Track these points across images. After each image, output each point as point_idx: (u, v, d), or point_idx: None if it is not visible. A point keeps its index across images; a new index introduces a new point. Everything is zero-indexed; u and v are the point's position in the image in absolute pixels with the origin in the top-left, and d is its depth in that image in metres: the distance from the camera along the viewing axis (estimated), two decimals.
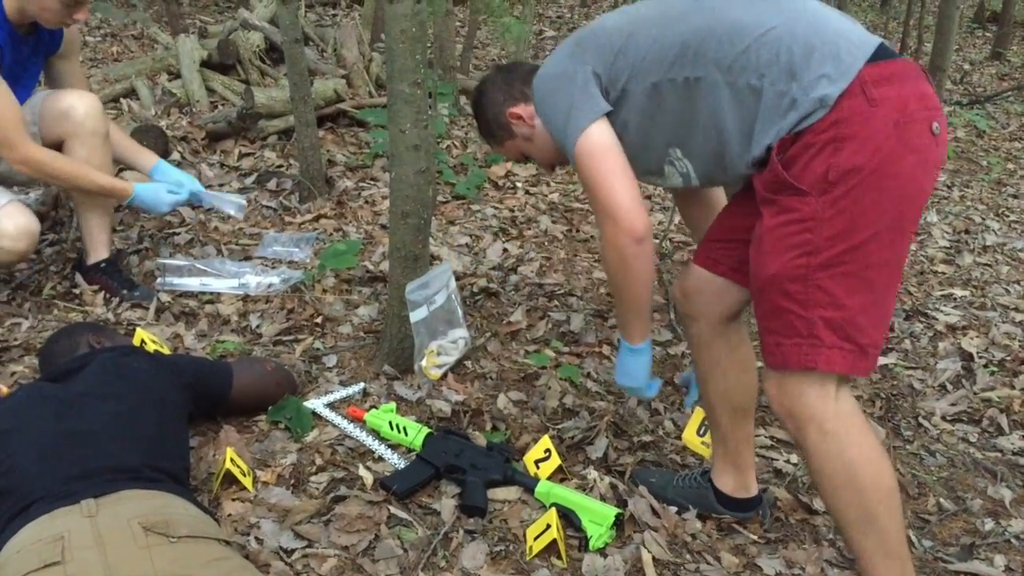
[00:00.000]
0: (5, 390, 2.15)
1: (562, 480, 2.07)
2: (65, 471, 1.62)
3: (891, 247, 1.52)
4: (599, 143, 1.67)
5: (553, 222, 3.58)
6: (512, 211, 3.64)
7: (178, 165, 3.68)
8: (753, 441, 1.97)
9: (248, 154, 3.86)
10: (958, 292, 3.36)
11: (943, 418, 2.49)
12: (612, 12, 1.84)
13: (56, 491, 1.57)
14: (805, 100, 1.49)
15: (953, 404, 2.55)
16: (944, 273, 3.58)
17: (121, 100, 4.32)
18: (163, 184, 2.71)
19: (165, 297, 2.70)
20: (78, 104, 2.59)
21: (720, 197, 2.15)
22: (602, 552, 1.87)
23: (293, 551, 1.80)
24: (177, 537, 1.52)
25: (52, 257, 2.87)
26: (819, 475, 1.63)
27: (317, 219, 3.38)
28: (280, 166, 3.77)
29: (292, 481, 2.00)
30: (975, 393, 2.61)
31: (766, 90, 1.53)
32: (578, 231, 3.56)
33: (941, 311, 3.16)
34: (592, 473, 2.10)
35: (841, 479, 1.60)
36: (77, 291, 2.69)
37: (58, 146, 2.57)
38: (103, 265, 2.72)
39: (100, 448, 1.70)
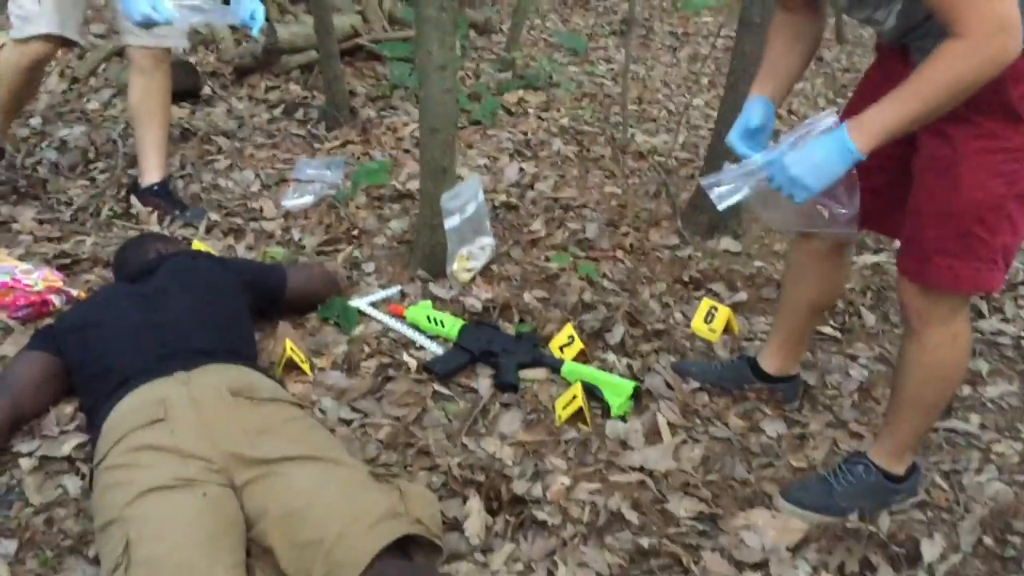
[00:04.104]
0: (83, 294, 2.40)
1: (585, 362, 2.32)
2: (156, 352, 1.87)
3: None
4: None
5: (565, 144, 3.80)
6: (526, 134, 3.85)
7: (208, 100, 3.90)
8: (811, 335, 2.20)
9: (274, 87, 4.06)
10: None
11: None
12: None
13: (150, 368, 1.82)
14: None
15: None
16: None
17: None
18: (149, 5, 2.37)
19: (214, 216, 2.93)
20: None
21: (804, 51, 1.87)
22: (622, 418, 2.13)
23: (352, 421, 2.06)
24: (259, 399, 1.78)
25: (105, 182, 3.10)
26: (923, 367, 1.75)
27: (344, 145, 3.60)
28: (305, 97, 3.98)
29: (345, 366, 2.26)
30: None
31: None
32: (588, 151, 3.77)
33: None
34: (611, 356, 2.36)
35: (943, 372, 1.76)
36: (133, 211, 2.92)
37: None
38: (155, 188, 2.95)
39: (181, 333, 1.94)
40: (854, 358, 2.44)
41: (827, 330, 2.54)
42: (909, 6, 1.50)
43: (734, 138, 1.75)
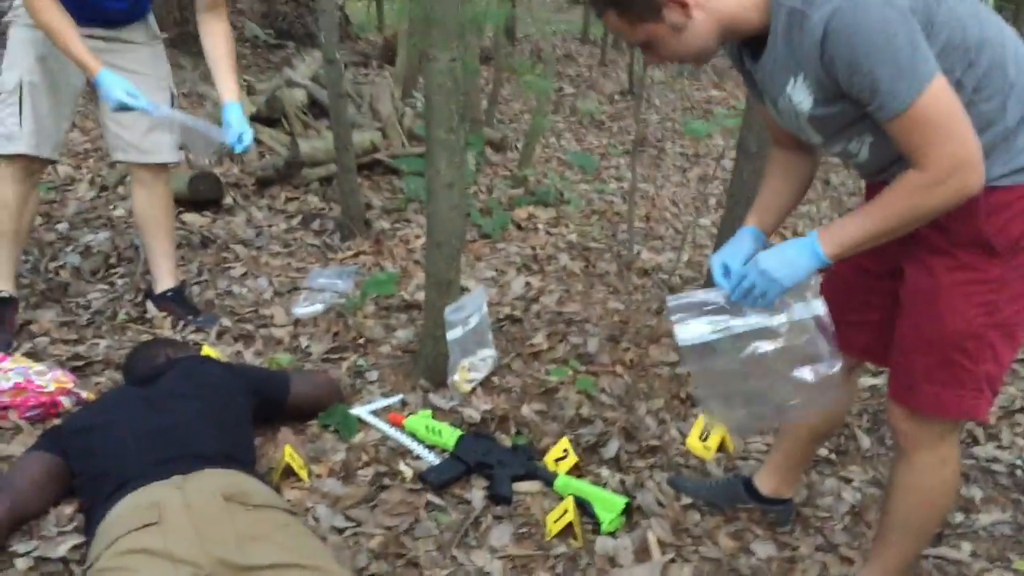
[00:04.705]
0: (92, 396, 2.47)
1: (579, 477, 2.34)
2: (155, 456, 1.92)
3: None
4: (949, 89, 1.44)
5: (571, 259, 3.90)
6: (534, 249, 3.96)
7: (230, 209, 4.06)
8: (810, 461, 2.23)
9: (293, 199, 4.23)
10: None
11: None
12: None
13: (149, 471, 1.87)
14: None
15: None
16: None
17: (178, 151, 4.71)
18: (124, 90, 2.57)
19: (226, 322, 3.03)
20: None
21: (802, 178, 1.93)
22: (613, 535, 2.14)
23: (344, 529, 2.09)
24: (253, 505, 1.82)
25: (124, 287, 3.22)
26: (912, 490, 1.78)
27: (357, 255, 3.72)
28: (322, 209, 4.13)
29: (342, 474, 2.30)
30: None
31: (997, 128, 1.52)
32: (594, 267, 3.87)
33: None
34: (605, 471, 2.38)
35: (932, 497, 1.77)
36: (148, 316, 3.02)
37: None
38: (169, 294, 3.06)
39: (183, 438, 2.00)
40: (848, 481, 2.45)
41: (822, 452, 2.56)
42: (881, 140, 1.57)
43: (715, 262, 1.77)
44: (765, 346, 1.64)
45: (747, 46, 1.64)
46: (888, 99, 1.42)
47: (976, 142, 1.44)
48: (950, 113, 1.42)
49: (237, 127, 2.74)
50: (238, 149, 2.76)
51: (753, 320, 1.65)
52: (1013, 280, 1.57)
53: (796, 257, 1.59)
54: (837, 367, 1.67)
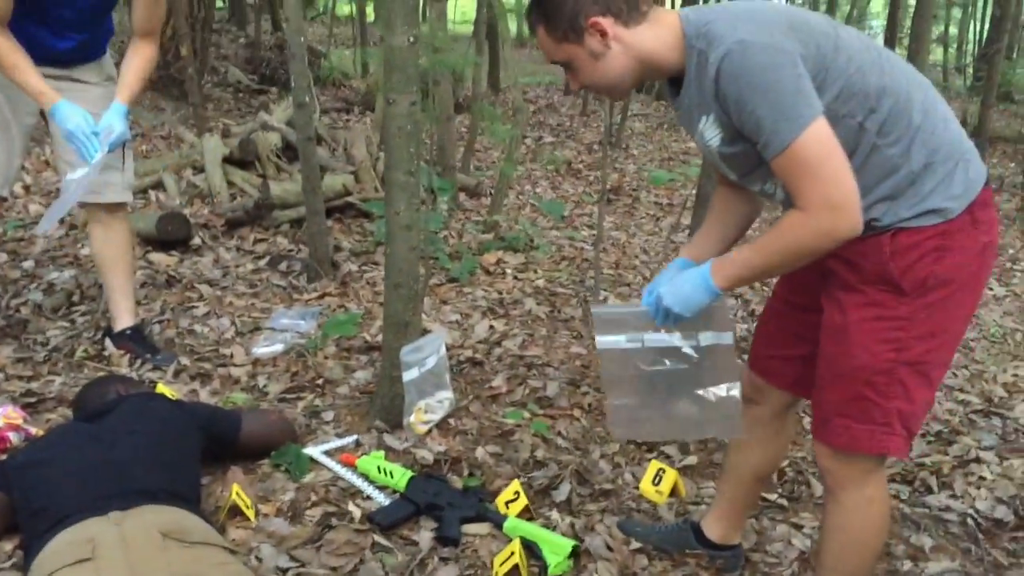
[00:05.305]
0: (41, 432, 2.45)
1: (529, 519, 2.33)
2: (96, 491, 1.91)
3: (951, 351, 1.69)
4: (830, 131, 1.51)
5: (538, 304, 3.92)
6: (501, 294, 3.98)
7: (198, 249, 4.07)
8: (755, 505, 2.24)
9: (262, 240, 4.24)
10: None
11: None
12: (794, 7, 1.74)
13: (87, 506, 1.86)
14: (932, 203, 1.58)
15: (890, 466, 2.81)
16: None
17: (149, 191, 4.75)
18: (83, 118, 2.62)
19: (185, 360, 3.02)
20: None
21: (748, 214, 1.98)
22: None
23: (287, 570, 2.06)
24: (191, 543, 1.81)
25: (84, 325, 3.22)
26: (840, 530, 1.80)
27: (322, 297, 3.73)
28: (291, 250, 4.15)
29: (290, 514, 2.28)
30: (911, 458, 2.88)
31: (902, 171, 1.58)
32: (560, 312, 3.89)
33: None
34: (555, 514, 2.38)
35: (862, 536, 1.79)
36: (106, 354, 3.01)
37: None
38: (128, 332, 3.05)
39: (127, 474, 1.99)
40: (799, 527, 2.44)
41: (772, 497, 2.56)
42: None
43: (647, 288, 1.83)
44: (672, 363, 1.78)
45: (672, 85, 1.72)
46: (771, 138, 1.50)
47: (851, 187, 1.50)
48: (827, 155, 1.49)
49: (109, 120, 2.70)
50: (106, 146, 2.68)
51: (665, 338, 1.77)
52: (922, 319, 1.60)
53: (691, 290, 1.68)
54: (735, 391, 1.77)
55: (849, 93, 1.55)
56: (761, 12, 1.58)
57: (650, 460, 2.65)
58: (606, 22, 1.62)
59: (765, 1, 1.68)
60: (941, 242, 1.58)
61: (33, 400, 2.67)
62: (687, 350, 1.77)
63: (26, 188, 4.64)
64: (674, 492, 2.55)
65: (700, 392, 1.78)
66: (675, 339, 1.76)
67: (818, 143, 1.49)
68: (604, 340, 1.80)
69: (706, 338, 1.76)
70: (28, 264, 3.69)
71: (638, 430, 2.11)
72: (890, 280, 1.60)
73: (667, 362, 1.76)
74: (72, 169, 2.74)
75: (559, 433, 2.81)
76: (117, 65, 2.91)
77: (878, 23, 19.50)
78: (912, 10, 13.92)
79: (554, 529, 2.29)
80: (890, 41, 11.46)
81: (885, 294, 1.61)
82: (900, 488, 2.71)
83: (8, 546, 2.01)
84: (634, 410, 1.87)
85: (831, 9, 12.98)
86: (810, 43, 1.54)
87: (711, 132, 1.63)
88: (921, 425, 1.75)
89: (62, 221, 3.10)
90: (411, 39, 2.48)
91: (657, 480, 2.55)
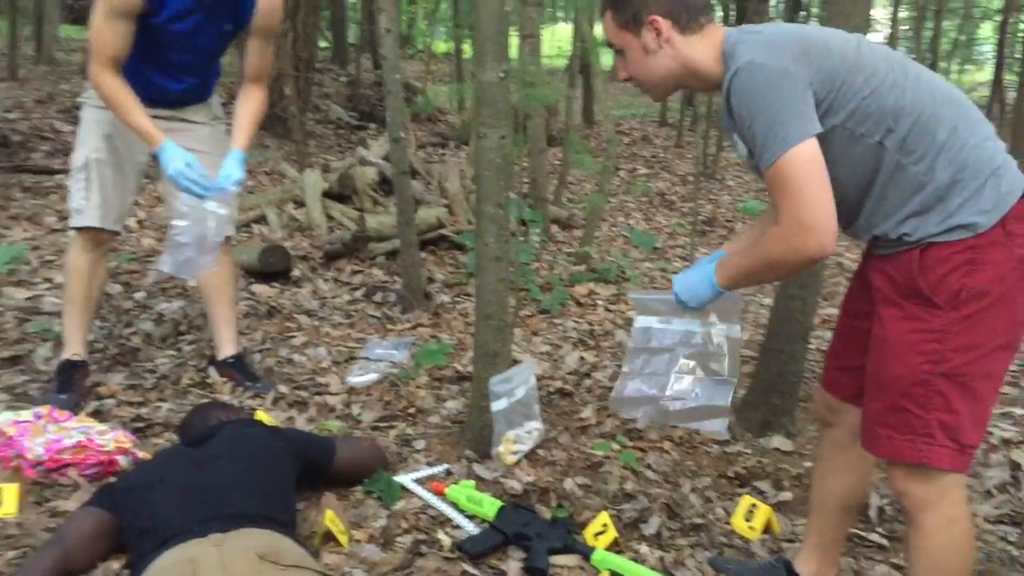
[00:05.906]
0: (148, 455, 2.57)
1: (617, 552, 2.31)
2: (198, 514, 1.99)
3: (997, 363, 1.68)
4: (817, 155, 1.59)
5: (628, 335, 3.90)
6: (591, 325, 3.98)
7: (297, 281, 4.20)
8: (845, 539, 2.18)
9: (358, 271, 4.36)
10: (1018, 411, 3.48)
11: (985, 519, 2.63)
12: (831, 30, 1.79)
13: (189, 528, 1.94)
14: (961, 218, 1.62)
15: (997, 507, 2.69)
16: (1007, 394, 3.71)
17: (252, 225, 4.94)
18: (185, 162, 2.70)
19: (283, 389, 3.12)
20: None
21: None
22: None
23: None
24: (285, 565, 1.86)
25: (190, 353, 3.36)
26: (924, 554, 1.77)
27: (415, 327, 3.80)
28: (385, 282, 4.25)
29: (381, 540, 2.32)
30: (1020, 499, 2.75)
31: (928, 188, 1.63)
32: None
33: (999, 427, 3.29)
34: (644, 547, 2.35)
35: (946, 559, 1.75)
36: (210, 381, 3.14)
37: None
38: (231, 361, 3.18)
39: (226, 498, 2.06)
40: (899, 568, 2.35)
41: (874, 537, 2.48)
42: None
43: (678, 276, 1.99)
44: (686, 346, 2.23)
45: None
46: (762, 153, 1.61)
47: (826, 210, 1.58)
48: (807, 176, 1.58)
49: (228, 168, 2.81)
50: (227, 188, 2.78)
51: (686, 325, 2.22)
52: (958, 331, 1.63)
53: (697, 283, 1.86)
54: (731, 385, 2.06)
55: (864, 113, 1.64)
56: (782, 37, 1.67)
57: (742, 495, 2.60)
58: (664, 23, 1.76)
59: (800, 26, 1.80)
60: (972, 256, 1.61)
61: (142, 425, 2.80)
62: (699, 335, 2.17)
63: (140, 223, 4.87)
64: (767, 528, 2.49)
65: (700, 374, 2.46)
66: (694, 325, 2.10)
67: (801, 163, 1.58)
68: (639, 319, 2.25)
69: (718, 328, 2.16)
70: (140, 295, 3.88)
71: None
72: (922, 294, 1.64)
73: (684, 342, 2.16)
74: (176, 211, 2.84)
75: (648, 465, 2.78)
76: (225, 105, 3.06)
77: (988, 47, 18.86)
78: (1023, 35, 13.47)
79: (643, 563, 2.27)
80: (998, 67, 11.05)
81: (920, 307, 1.65)
82: (1008, 530, 2.58)
83: (116, 565, 2.10)
84: (648, 380, 2.45)
85: (936, 35, 12.56)
86: (822, 68, 1.64)
87: (740, 143, 1.74)
88: (977, 438, 1.71)
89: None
90: (501, 74, 2.54)
91: (749, 516, 2.50)
